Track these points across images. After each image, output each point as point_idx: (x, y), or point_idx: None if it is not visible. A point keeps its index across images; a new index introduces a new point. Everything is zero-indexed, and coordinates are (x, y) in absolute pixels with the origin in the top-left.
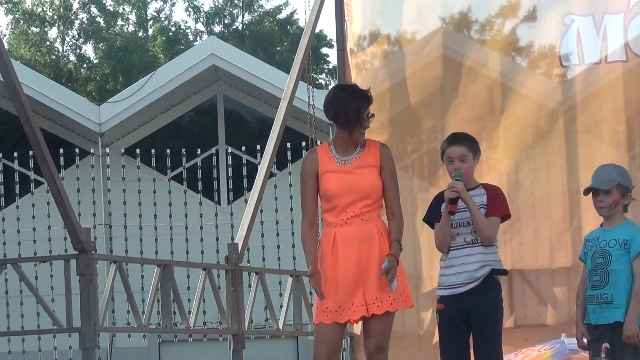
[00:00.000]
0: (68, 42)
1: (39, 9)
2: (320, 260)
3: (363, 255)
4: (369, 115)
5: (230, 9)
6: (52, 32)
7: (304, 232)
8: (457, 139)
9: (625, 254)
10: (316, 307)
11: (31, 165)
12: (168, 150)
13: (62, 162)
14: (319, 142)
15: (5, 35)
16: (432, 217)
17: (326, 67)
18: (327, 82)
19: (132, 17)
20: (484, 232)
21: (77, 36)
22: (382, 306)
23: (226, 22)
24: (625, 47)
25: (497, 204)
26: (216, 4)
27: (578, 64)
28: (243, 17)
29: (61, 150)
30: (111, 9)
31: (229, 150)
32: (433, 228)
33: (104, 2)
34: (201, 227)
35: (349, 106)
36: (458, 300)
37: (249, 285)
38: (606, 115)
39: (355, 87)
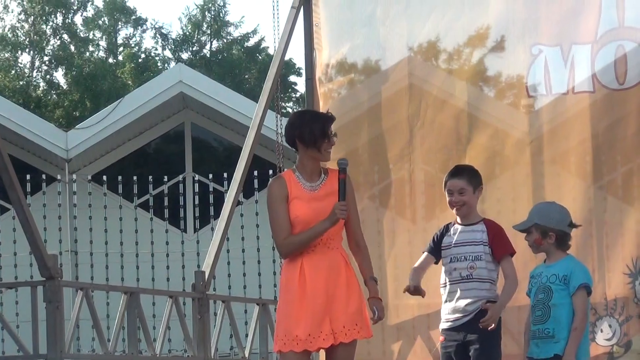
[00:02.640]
0: (38, 68)
1: (11, 34)
2: (285, 288)
3: (330, 283)
4: (333, 133)
5: (199, 36)
6: (24, 58)
7: (288, 239)
8: (458, 172)
9: (566, 289)
10: (284, 335)
11: None
12: (135, 177)
13: (28, 189)
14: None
15: None
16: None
17: (294, 95)
18: (295, 110)
19: (103, 43)
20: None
21: (47, 62)
22: (350, 334)
23: (194, 49)
24: (593, 78)
25: (503, 245)
26: (184, 31)
27: (545, 94)
28: (211, 44)
29: (28, 177)
30: (82, 35)
31: (196, 178)
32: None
33: (75, 28)
34: (167, 255)
35: (313, 125)
36: (455, 332)
37: (215, 314)
38: (573, 146)
39: (315, 110)
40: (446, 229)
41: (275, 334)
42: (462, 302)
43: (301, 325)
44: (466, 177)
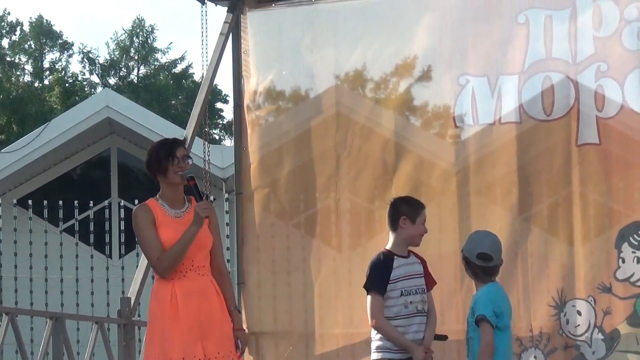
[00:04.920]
0: None
1: None
2: (158, 310)
3: (203, 310)
4: (185, 156)
5: (126, 62)
6: None
7: (162, 256)
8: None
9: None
10: (159, 353)
11: None
12: (60, 202)
13: None
14: (212, 198)
15: None
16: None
17: (220, 122)
18: (222, 137)
19: (29, 67)
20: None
21: None
22: None
23: (121, 74)
24: (520, 109)
25: (431, 277)
26: (112, 56)
27: (472, 124)
28: (138, 70)
29: None
30: (8, 59)
31: (122, 204)
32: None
33: (2, 52)
34: (92, 280)
35: (159, 150)
36: None
37: (139, 340)
38: (499, 177)
39: (168, 138)
40: (389, 260)
41: (145, 354)
42: (420, 336)
43: (175, 347)
44: None
